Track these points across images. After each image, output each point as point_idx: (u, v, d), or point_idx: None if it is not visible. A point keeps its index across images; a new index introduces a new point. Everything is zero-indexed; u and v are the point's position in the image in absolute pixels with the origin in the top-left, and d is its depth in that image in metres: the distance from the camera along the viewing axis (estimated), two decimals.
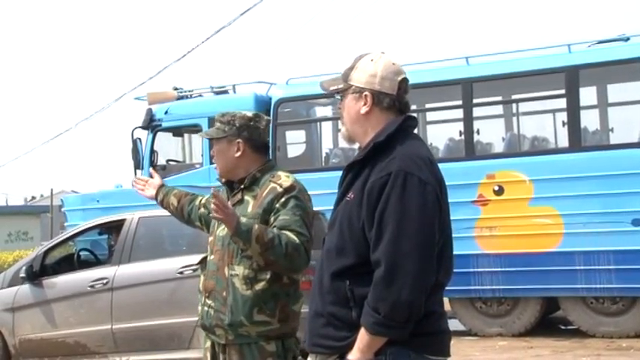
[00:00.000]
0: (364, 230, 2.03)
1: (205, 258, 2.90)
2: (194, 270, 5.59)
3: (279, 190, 2.78)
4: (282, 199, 2.77)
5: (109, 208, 8.66)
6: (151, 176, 3.28)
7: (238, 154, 2.86)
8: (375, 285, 1.97)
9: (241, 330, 2.73)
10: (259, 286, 2.73)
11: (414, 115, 2.32)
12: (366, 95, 2.14)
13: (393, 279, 1.95)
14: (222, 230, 2.81)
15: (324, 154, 9.12)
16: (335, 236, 2.11)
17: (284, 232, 2.70)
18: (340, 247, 2.08)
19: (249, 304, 2.72)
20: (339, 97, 2.23)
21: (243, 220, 2.68)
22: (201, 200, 3.12)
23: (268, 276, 2.73)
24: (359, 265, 2.04)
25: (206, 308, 2.81)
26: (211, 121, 2.94)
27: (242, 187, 2.84)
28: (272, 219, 2.74)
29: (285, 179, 2.82)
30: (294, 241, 2.69)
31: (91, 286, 5.97)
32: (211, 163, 8.38)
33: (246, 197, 2.82)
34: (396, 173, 2.00)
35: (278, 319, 2.74)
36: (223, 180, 2.94)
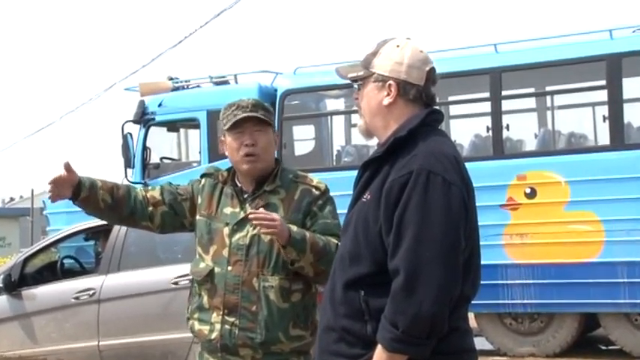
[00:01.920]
0: (382, 235, 2.02)
1: (211, 271, 2.79)
2: (190, 280, 5.60)
3: (316, 192, 2.83)
4: (320, 202, 2.82)
5: None
6: (67, 171, 2.77)
7: (276, 147, 2.90)
8: (393, 296, 1.96)
9: (275, 347, 2.73)
10: (295, 297, 2.75)
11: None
12: (390, 85, 2.13)
13: (414, 290, 1.94)
14: (242, 238, 2.77)
15: (335, 152, 9.13)
16: (349, 241, 2.10)
17: (327, 236, 2.74)
18: (355, 253, 2.07)
19: (286, 318, 2.73)
20: (356, 86, 2.22)
21: (293, 228, 2.68)
22: (144, 195, 2.88)
23: (301, 286, 2.76)
24: (375, 274, 2.03)
25: (227, 327, 2.74)
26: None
27: (265, 189, 2.82)
28: (308, 223, 2.78)
29: (317, 181, 2.88)
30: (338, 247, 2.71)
31: (76, 298, 6.00)
32: (210, 160, 8.51)
33: (273, 200, 2.81)
34: (418, 172, 2.00)
35: (310, 332, 2.77)
36: (229, 174, 2.87)
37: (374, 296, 2.02)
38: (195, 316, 2.84)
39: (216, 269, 2.79)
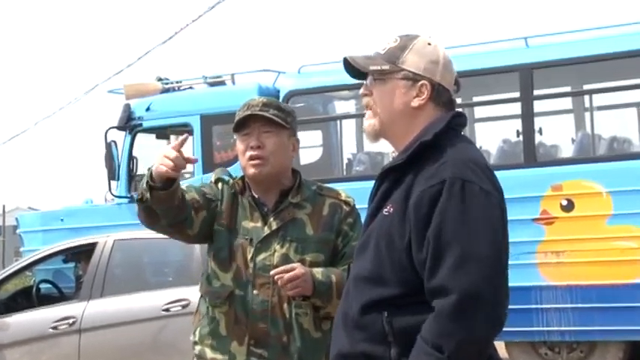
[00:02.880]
0: (409, 251, 2.03)
1: (232, 293, 2.76)
2: (184, 307, 5.60)
3: (346, 208, 2.84)
4: (350, 220, 2.83)
5: (76, 228, 8.71)
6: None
7: (293, 154, 2.90)
8: (438, 317, 1.95)
9: None
10: (326, 325, 2.77)
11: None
12: (423, 85, 2.14)
13: (465, 311, 1.94)
14: (269, 258, 2.75)
15: (345, 161, 9.13)
16: (369, 260, 2.09)
17: None
18: (376, 273, 2.07)
19: (321, 349, 2.73)
20: (368, 81, 2.20)
21: (317, 275, 2.68)
22: (188, 197, 2.79)
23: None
24: (401, 296, 2.04)
25: (254, 359, 2.72)
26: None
27: (291, 201, 2.81)
28: (340, 244, 2.79)
29: (345, 195, 2.88)
30: None
31: (54, 328, 6.00)
32: (205, 171, 8.53)
33: (299, 215, 2.81)
34: (451, 181, 2.00)
35: None
36: (243, 183, 2.84)
37: (399, 316, 2.03)
38: (208, 342, 2.79)
39: (237, 292, 2.75)
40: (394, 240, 2.05)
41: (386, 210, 2.09)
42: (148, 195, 2.63)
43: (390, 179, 2.13)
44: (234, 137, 2.90)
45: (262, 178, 2.81)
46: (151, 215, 2.73)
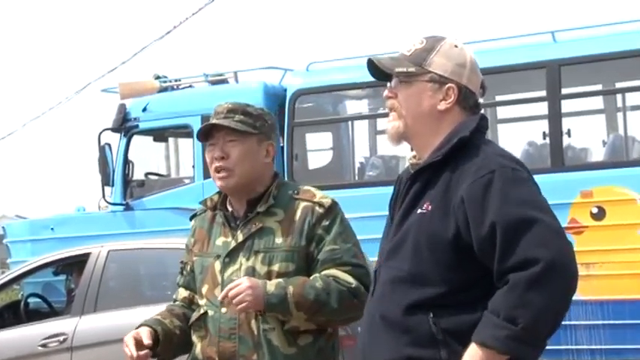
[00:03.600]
0: (455, 246, 2.15)
1: (204, 315, 2.84)
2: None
3: (320, 210, 2.83)
4: (325, 223, 2.81)
5: (67, 238, 8.73)
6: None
7: (267, 160, 2.91)
8: (513, 288, 2.06)
9: None
10: (303, 340, 2.77)
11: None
12: (450, 88, 2.26)
13: (548, 280, 2.06)
14: (235, 272, 2.79)
15: (357, 165, 9.14)
16: (406, 261, 2.20)
17: (334, 274, 2.75)
18: (416, 273, 2.18)
19: None
20: (392, 83, 2.30)
21: (270, 287, 2.70)
22: (182, 300, 3.00)
23: (312, 326, 2.78)
24: (445, 295, 2.15)
25: None
26: (206, 121, 2.94)
27: (258, 210, 2.84)
28: (315, 251, 2.79)
29: (321, 195, 2.88)
30: (348, 286, 2.74)
31: (43, 345, 6.01)
32: (206, 176, 8.53)
33: (268, 224, 2.82)
34: (501, 170, 2.16)
35: None
36: (219, 198, 2.92)
37: (445, 317, 2.14)
38: None
39: (209, 312, 2.82)
40: (437, 237, 2.16)
41: (423, 209, 2.20)
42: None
43: (423, 179, 2.24)
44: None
45: (230, 190, 2.86)
46: (172, 357, 2.97)
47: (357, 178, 8.96)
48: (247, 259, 2.78)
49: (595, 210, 7.52)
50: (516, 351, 2.06)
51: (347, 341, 5.81)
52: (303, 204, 2.84)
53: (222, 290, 2.77)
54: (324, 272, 2.77)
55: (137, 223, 8.73)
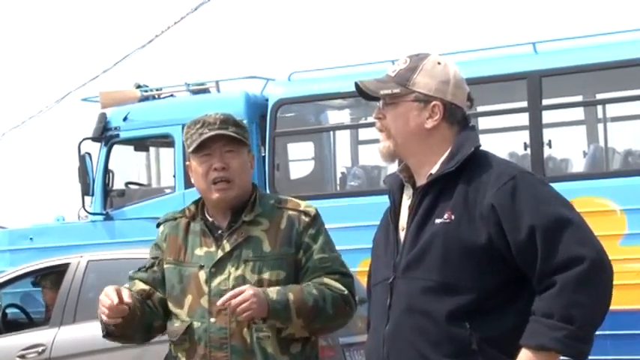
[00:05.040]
0: (489, 250, 2.22)
1: (190, 328, 2.80)
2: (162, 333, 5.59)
3: (305, 219, 2.85)
4: (312, 231, 2.84)
5: (46, 248, 8.69)
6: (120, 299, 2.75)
7: (251, 170, 2.91)
8: (563, 289, 2.15)
9: None
10: (294, 348, 2.79)
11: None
12: (435, 106, 2.32)
13: (595, 278, 2.17)
14: (224, 282, 2.77)
15: (339, 175, 9.15)
16: (434, 271, 2.24)
17: (325, 281, 2.77)
18: (449, 282, 2.23)
19: None
20: (379, 104, 2.36)
21: (272, 294, 2.70)
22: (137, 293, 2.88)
23: (306, 334, 2.80)
24: (479, 301, 2.22)
25: None
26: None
27: (244, 220, 2.83)
28: (302, 259, 2.80)
29: (305, 205, 2.91)
30: (341, 292, 2.77)
31: (22, 357, 5.98)
32: (187, 186, 8.52)
33: (254, 233, 2.82)
34: (521, 175, 2.27)
35: None
36: (197, 207, 2.89)
37: (481, 325, 2.20)
38: None
39: (195, 324, 2.79)
40: (468, 244, 2.23)
41: (443, 218, 2.26)
42: (112, 328, 2.82)
43: (435, 190, 2.30)
44: (189, 158, 2.89)
45: (229, 201, 2.83)
46: (124, 338, 2.94)
47: (338, 188, 8.97)
48: (236, 269, 2.77)
49: None
50: (575, 349, 2.15)
51: (327, 352, 5.82)
52: (288, 212, 2.85)
53: (209, 300, 2.76)
54: (315, 280, 2.79)
55: (117, 233, 8.70)
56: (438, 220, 2.26)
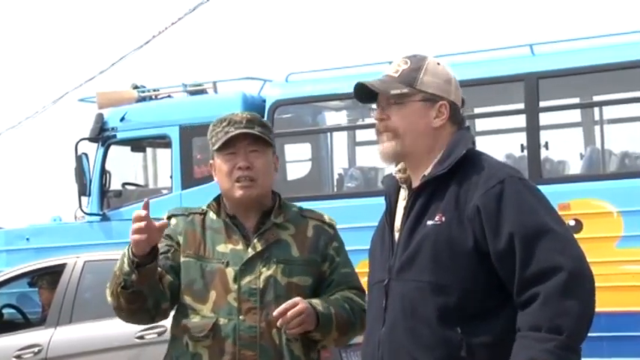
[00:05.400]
0: (476, 255, 2.23)
1: (216, 324, 2.73)
2: (159, 334, 5.59)
3: (330, 231, 2.89)
4: (335, 244, 2.88)
5: (42, 248, 8.69)
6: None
7: (275, 173, 2.92)
8: (548, 300, 2.14)
9: None
10: (314, 354, 2.82)
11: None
12: (442, 105, 2.36)
13: (577, 287, 2.16)
14: (254, 281, 2.75)
15: (336, 177, 9.15)
16: (425, 272, 2.25)
17: (349, 295, 2.80)
18: (439, 283, 2.24)
19: None
20: (382, 104, 2.37)
21: (319, 307, 2.71)
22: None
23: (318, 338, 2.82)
24: (469, 303, 2.23)
25: None
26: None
27: (275, 222, 2.83)
28: (327, 270, 2.83)
29: (328, 217, 2.93)
30: (363, 306, 2.78)
31: (18, 357, 5.97)
32: (184, 187, 8.53)
33: (283, 236, 2.83)
34: (511, 179, 2.26)
35: None
36: (217, 205, 2.86)
37: (474, 331, 2.21)
38: None
39: (222, 320, 2.74)
40: (457, 246, 2.24)
41: (435, 220, 2.27)
42: (133, 277, 2.67)
43: (428, 192, 2.31)
44: (213, 156, 2.89)
45: (252, 201, 2.83)
46: (136, 300, 2.74)
47: (335, 189, 8.97)
48: (267, 269, 2.76)
49: (572, 223, 7.56)
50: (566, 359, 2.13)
51: (324, 353, 5.82)
52: (313, 222, 2.88)
53: (238, 298, 2.73)
54: (340, 293, 2.81)
55: (114, 234, 8.68)
56: (429, 222, 2.28)
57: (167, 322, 5.04)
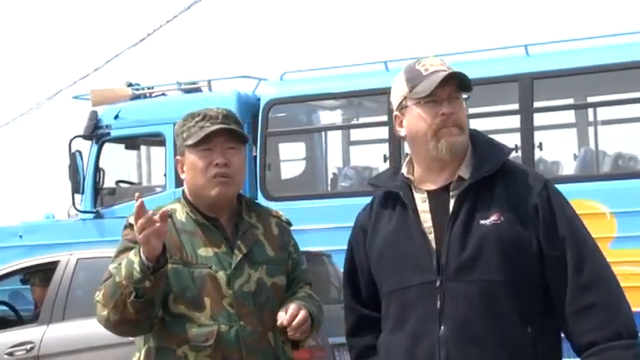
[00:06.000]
0: (539, 254, 2.31)
1: (219, 331, 2.62)
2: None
3: (288, 228, 2.84)
4: (293, 241, 2.84)
5: (35, 246, 8.67)
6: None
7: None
8: (616, 306, 2.27)
9: None
10: (291, 352, 2.79)
11: None
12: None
13: (622, 293, 2.31)
14: (246, 284, 2.66)
15: (330, 176, 9.15)
16: (493, 272, 2.29)
17: (309, 292, 2.79)
18: (510, 282, 2.29)
19: None
20: (462, 98, 2.47)
21: (314, 310, 2.70)
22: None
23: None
24: (538, 301, 2.30)
25: None
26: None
27: (251, 222, 2.75)
28: (290, 267, 2.79)
29: (282, 213, 2.88)
30: (320, 304, 2.78)
31: (10, 354, 5.96)
32: (177, 185, 8.50)
33: (259, 236, 2.76)
34: (549, 184, 2.37)
35: None
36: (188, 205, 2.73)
37: (538, 328, 2.30)
38: None
39: (223, 327, 2.63)
40: (523, 245, 2.30)
41: (491, 220, 2.31)
42: (147, 283, 2.51)
43: (473, 192, 2.35)
44: (183, 152, 2.75)
45: (228, 199, 2.73)
46: (145, 309, 2.58)
47: (330, 188, 8.97)
48: (255, 271, 2.69)
49: None
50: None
51: (317, 352, 5.82)
52: (274, 220, 2.82)
53: (234, 303, 2.64)
54: (301, 291, 2.78)
55: (107, 232, 8.66)
56: (483, 221, 2.31)
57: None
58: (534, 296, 2.31)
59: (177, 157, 2.79)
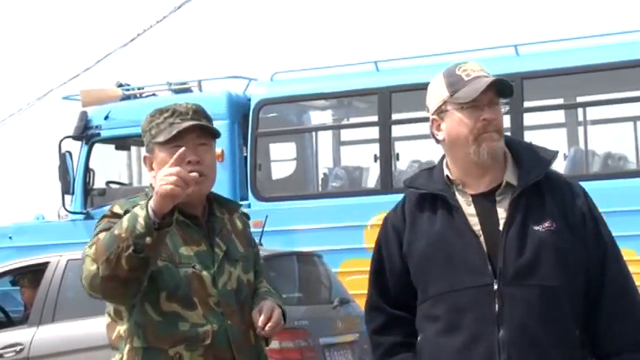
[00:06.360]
0: (585, 260, 2.40)
1: (213, 330, 2.60)
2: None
3: (248, 221, 2.82)
4: (251, 235, 2.84)
5: (25, 247, 8.64)
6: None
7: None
8: (631, 316, 2.39)
9: None
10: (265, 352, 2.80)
11: None
12: None
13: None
14: (228, 283, 2.64)
15: (321, 176, 9.15)
16: (552, 278, 2.35)
17: (269, 287, 2.78)
18: (567, 288, 2.36)
19: None
20: (498, 102, 2.47)
21: (284, 307, 2.72)
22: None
23: None
24: (583, 307, 2.40)
25: None
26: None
27: (223, 217, 2.73)
28: (253, 262, 2.78)
29: (240, 205, 2.91)
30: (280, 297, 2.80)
31: None
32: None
33: (231, 232, 2.75)
34: (586, 191, 2.48)
35: None
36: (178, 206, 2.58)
37: (585, 333, 2.39)
38: None
39: (214, 326, 2.61)
40: (577, 253, 2.38)
41: (546, 226, 2.38)
42: (147, 240, 2.40)
43: (524, 197, 2.40)
44: (152, 150, 2.67)
45: (200, 197, 2.67)
46: (139, 268, 2.44)
47: (320, 188, 8.97)
48: (234, 268, 2.67)
49: None
50: None
51: (308, 352, 5.81)
52: (236, 213, 2.79)
53: (220, 302, 2.62)
54: (263, 285, 2.76)
55: None
56: (538, 227, 2.38)
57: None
58: (580, 300, 2.39)
59: (146, 155, 2.71)
